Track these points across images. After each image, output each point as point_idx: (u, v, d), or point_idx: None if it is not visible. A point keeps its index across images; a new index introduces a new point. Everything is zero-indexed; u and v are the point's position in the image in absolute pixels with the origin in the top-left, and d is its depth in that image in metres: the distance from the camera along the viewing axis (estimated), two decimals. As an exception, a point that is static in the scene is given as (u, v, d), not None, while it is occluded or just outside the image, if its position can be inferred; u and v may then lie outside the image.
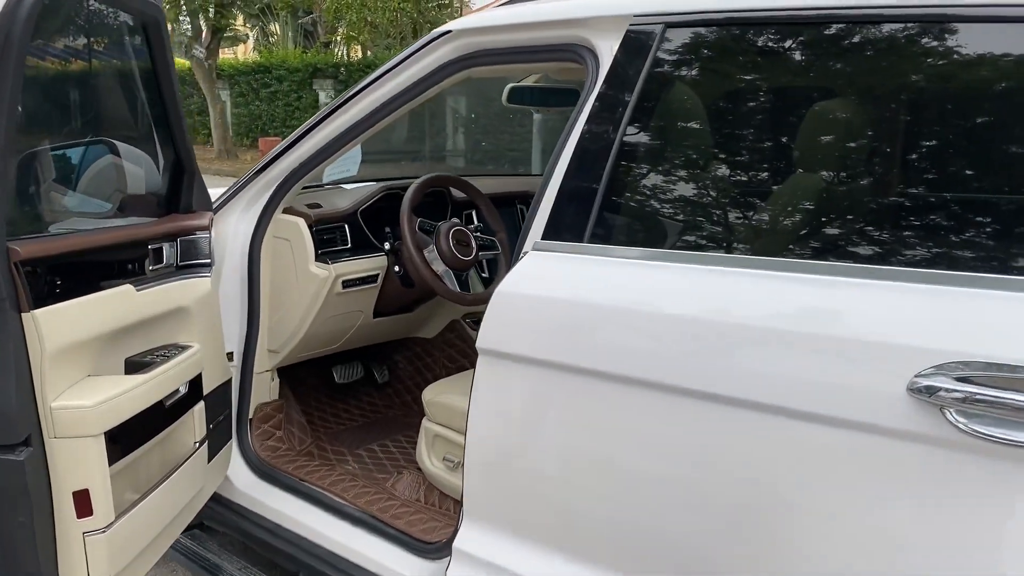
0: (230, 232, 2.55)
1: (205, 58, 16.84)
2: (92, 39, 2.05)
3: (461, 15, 22.87)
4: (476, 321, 3.09)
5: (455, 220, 2.74)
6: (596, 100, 1.80)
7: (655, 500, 1.59)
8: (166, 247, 2.13)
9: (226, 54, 22.68)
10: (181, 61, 19.60)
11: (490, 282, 3.01)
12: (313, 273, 2.59)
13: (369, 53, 19.50)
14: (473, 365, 1.84)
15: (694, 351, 1.51)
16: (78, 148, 2.18)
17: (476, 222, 3.06)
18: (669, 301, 1.57)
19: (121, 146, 2.17)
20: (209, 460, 2.31)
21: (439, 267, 2.64)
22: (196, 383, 2.18)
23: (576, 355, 1.67)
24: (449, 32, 2.11)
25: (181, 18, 17.98)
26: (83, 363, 1.79)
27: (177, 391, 2.07)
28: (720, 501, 1.50)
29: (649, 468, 1.59)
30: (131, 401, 1.81)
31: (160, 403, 1.96)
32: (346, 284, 2.65)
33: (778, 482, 1.43)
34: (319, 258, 2.62)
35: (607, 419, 1.63)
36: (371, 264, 2.73)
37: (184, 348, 2.14)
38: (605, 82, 1.81)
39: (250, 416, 2.68)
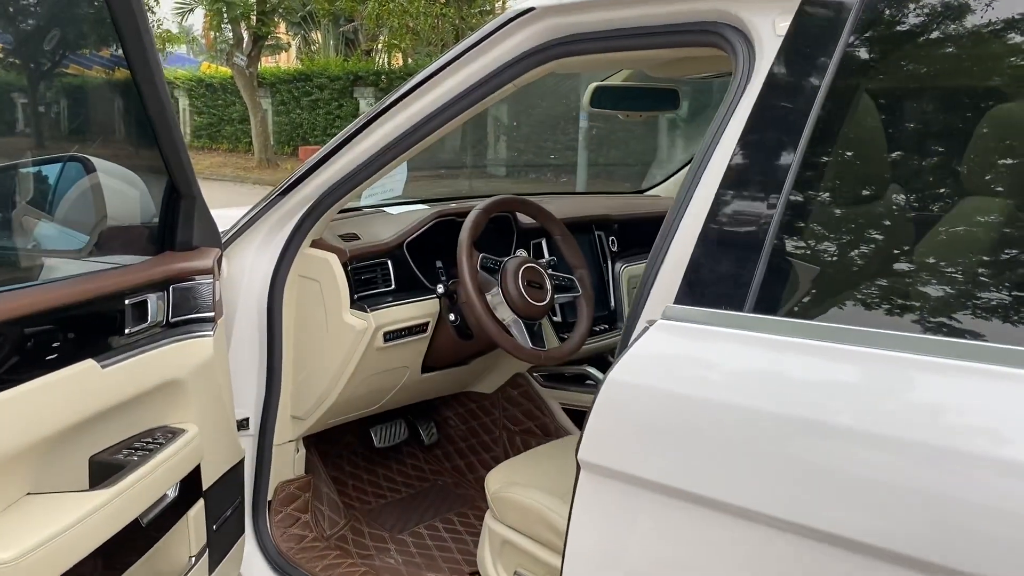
0: (245, 271, 2.02)
1: (246, 66, 16.58)
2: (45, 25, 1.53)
3: (504, 21, 22.52)
4: (547, 375, 2.52)
5: (524, 255, 2.18)
6: (758, 102, 1.24)
7: None
8: (152, 299, 1.59)
9: (268, 62, 22.49)
10: (223, 70, 19.47)
11: (565, 329, 2.44)
12: (348, 323, 2.05)
13: (410, 60, 19.15)
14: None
15: (959, 505, 0.93)
16: (38, 167, 1.68)
17: (547, 255, 2.50)
18: (907, 417, 0.99)
19: (99, 162, 1.65)
20: (212, 572, 1.77)
21: (505, 315, 2.08)
22: (192, 478, 1.64)
23: (746, 494, 1.09)
24: (532, 10, 1.56)
25: (223, 25, 17.77)
26: (18, 478, 1.26)
27: (164, 497, 1.53)
28: None
29: None
30: (83, 537, 1.26)
31: (135, 522, 1.42)
32: (389, 336, 2.10)
33: None
34: (355, 304, 2.07)
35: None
36: (420, 310, 2.18)
37: (176, 434, 1.60)
38: (771, 77, 1.25)
39: (269, 498, 2.14)
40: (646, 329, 1.25)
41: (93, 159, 1.66)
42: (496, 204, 2.15)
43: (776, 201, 1.18)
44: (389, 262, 2.17)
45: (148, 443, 1.55)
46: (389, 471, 2.72)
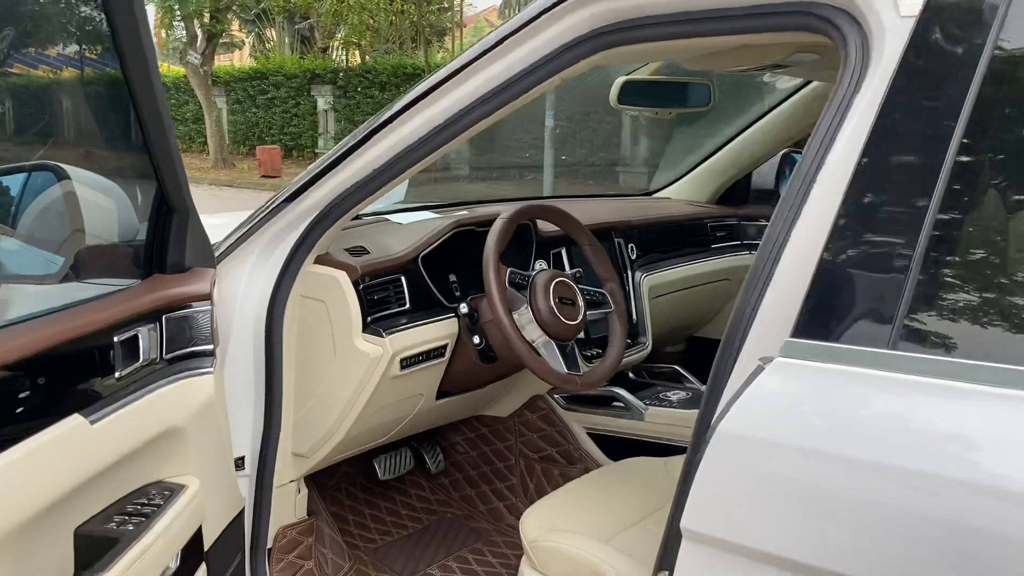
0: (239, 291, 1.77)
1: (200, 64, 16.10)
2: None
3: (461, 19, 22.27)
4: (569, 397, 2.31)
5: (554, 270, 1.96)
6: (889, 99, 1.04)
7: None
8: (144, 333, 1.34)
9: (222, 60, 21.96)
10: (176, 68, 18.97)
11: (588, 346, 2.22)
12: (360, 349, 1.81)
13: (368, 58, 18.82)
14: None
15: None
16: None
17: (568, 266, 2.28)
18: None
19: (73, 170, 1.40)
20: None
21: (535, 335, 1.86)
22: (194, 542, 1.40)
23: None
24: (582, -9, 1.34)
25: (175, 23, 17.27)
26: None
27: (165, 570, 1.29)
28: None
29: None
30: None
31: (132, 607, 1.18)
32: (406, 363, 1.87)
33: None
34: (368, 327, 1.83)
35: None
36: (438, 331, 1.94)
37: (174, 491, 1.36)
38: (904, 67, 1.05)
39: (268, 546, 1.90)
40: (760, 369, 1.04)
41: (67, 167, 1.41)
42: (522, 212, 1.93)
43: (923, 217, 0.98)
44: (403, 278, 1.93)
45: (143, 505, 1.30)
46: (392, 504, 2.48)
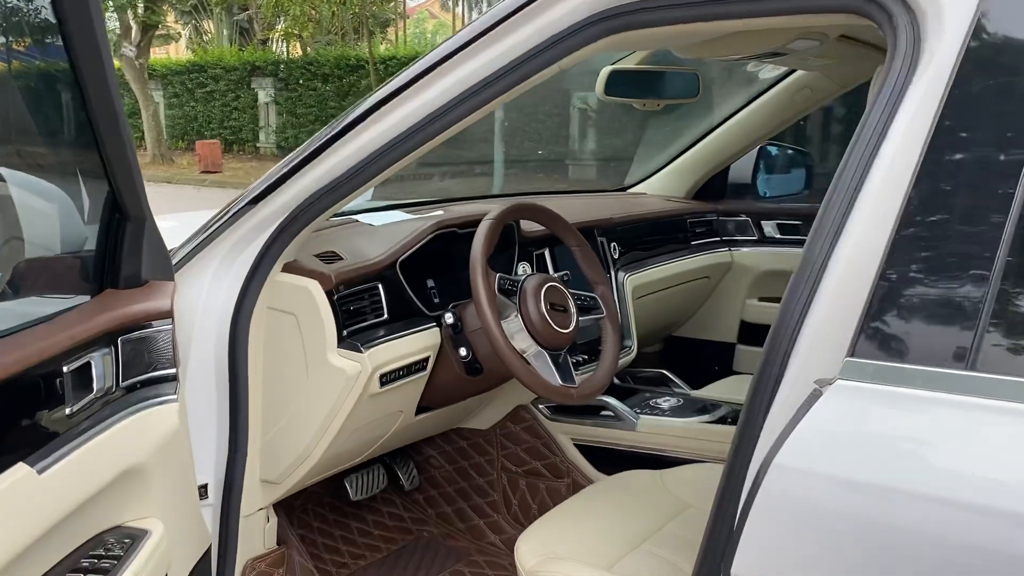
0: (198, 304, 1.60)
1: (135, 57, 15.59)
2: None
3: (404, 10, 21.95)
4: (555, 407, 2.17)
5: (542, 274, 1.82)
6: (950, 95, 0.93)
7: None
8: (97, 359, 1.17)
9: (158, 53, 21.32)
10: (109, 60, 18.42)
11: (579, 352, 2.09)
12: (336, 366, 1.65)
13: (310, 50, 18.44)
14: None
15: None
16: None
17: (551, 268, 2.14)
18: None
19: (7, 172, 1.22)
20: None
21: (525, 344, 1.72)
22: (158, 593, 1.23)
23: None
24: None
25: (108, 14, 16.66)
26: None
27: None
28: None
29: None
30: None
31: None
32: (385, 379, 1.71)
33: None
34: (344, 341, 1.67)
35: None
36: (419, 343, 1.79)
37: (136, 538, 1.19)
38: (971, 53, 0.94)
39: (236, 581, 1.73)
40: (818, 394, 0.92)
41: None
42: (508, 213, 1.79)
43: (1004, 221, 0.87)
44: (380, 286, 1.78)
45: (100, 558, 1.13)
46: (364, 524, 2.32)
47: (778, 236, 2.75)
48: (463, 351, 1.78)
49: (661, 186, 2.87)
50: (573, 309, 1.80)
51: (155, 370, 1.28)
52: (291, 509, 2.18)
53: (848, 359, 0.92)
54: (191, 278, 1.60)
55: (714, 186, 2.87)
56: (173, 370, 1.31)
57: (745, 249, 2.79)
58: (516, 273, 2.04)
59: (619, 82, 1.96)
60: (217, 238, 1.59)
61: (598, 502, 1.73)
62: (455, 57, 1.33)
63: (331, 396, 1.66)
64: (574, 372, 1.79)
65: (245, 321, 1.61)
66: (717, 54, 1.78)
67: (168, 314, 1.31)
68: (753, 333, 2.82)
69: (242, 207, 1.56)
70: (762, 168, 2.89)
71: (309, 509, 2.29)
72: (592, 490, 1.80)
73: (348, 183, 1.48)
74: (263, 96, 17.35)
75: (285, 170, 1.52)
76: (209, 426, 1.64)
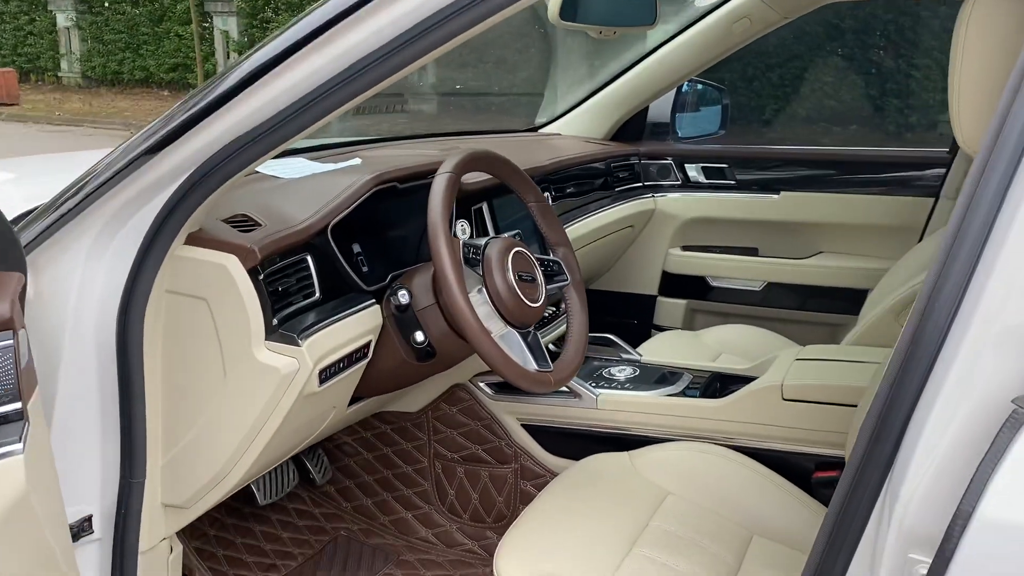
0: (70, 291, 1.20)
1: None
2: None
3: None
4: (499, 385, 1.89)
5: (505, 237, 1.52)
6: None
7: None
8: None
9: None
10: None
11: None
12: (266, 364, 1.29)
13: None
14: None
15: None
16: None
17: (493, 227, 1.84)
18: None
19: None
20: None
21: (493, 325, 1.43)
22: None
23: None
24: None
25: None
26: None
27: None
28: None
29: None
30: None
31: None
32: (325, 375, 1.37)
33: None
34: (275, 332, 1.31)
35: None
36: (360, 326, 1.45)
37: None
38: None
39: (137, 632, 1.37)
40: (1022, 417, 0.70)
41: None
42: (465, 164, 1.46)
43: None
44: (309, 258, 1.42)
45: None
46: (271, 527, 1.98)
47: (703, 180, 2.56)
48: (419, 335, 1.46)
49: (577, 126, 2.61)
50: (541, 279, 1.52)
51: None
52: (194, 532, 1.82)
53: None
54: (57, 258, 1.19)
55: (632, 126, 2.64)
56: (17, 405, 0.92)
57: (669, 195, 2.59)
58: (454, 233, 1.73)
59: (574, 6, 1.66)
60: (94, 204, 1.18)
61: (572, 496, 1.50)
62: None
63: (258, 401, 1.31)
64: (545, 352, 1.52)
65: (138, 311, 1.22)
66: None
67: (6, 324, 0.92)
68: (675, 284, 2.65)
69: (132, 158, 1.16)
70: (682, 106, 2.69)
71: (203, 517, 1.92)
72: (562, 483, 1.56)
73: (274, 134, 1.11)
74: (62, 19, 15.74)
75: (191, 112, 1.13)
76: (92, 444, 1.26)
